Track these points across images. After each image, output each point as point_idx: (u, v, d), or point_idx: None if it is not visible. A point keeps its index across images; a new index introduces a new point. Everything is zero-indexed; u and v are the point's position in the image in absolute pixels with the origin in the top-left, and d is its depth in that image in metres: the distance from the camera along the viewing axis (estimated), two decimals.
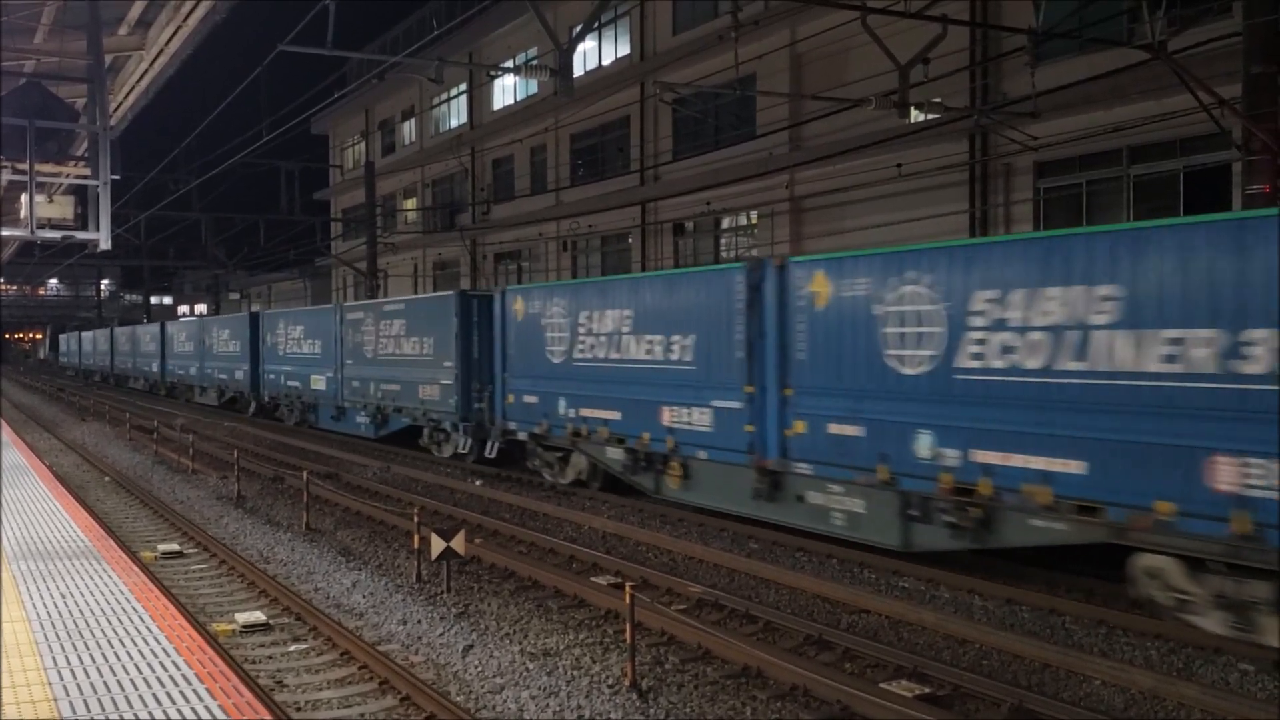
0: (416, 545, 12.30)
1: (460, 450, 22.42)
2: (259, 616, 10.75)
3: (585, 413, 17.53)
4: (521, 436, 19.69)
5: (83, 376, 70.85)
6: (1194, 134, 17.21)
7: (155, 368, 49.51)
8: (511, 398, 19.83)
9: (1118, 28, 18.31)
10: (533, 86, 37.30)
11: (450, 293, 22.85)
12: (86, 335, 72.00)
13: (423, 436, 24.21)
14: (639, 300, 16.49)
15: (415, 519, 12.53)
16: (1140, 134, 18.09)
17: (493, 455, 21.12)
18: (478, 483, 20.13)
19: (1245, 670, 9.00)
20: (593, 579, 12.21)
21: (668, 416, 15.66)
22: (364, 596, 11.78)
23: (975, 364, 11.22)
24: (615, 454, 16.94)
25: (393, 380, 25.03)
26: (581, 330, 17.72)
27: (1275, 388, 8.77)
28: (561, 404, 18.15)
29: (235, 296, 77.57)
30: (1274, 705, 8.21)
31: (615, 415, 16.85)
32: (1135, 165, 19.10)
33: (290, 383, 32.04)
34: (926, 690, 8.38)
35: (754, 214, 27.78)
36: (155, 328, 49.80)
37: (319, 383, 29.75)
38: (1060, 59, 19.29)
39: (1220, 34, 14.92)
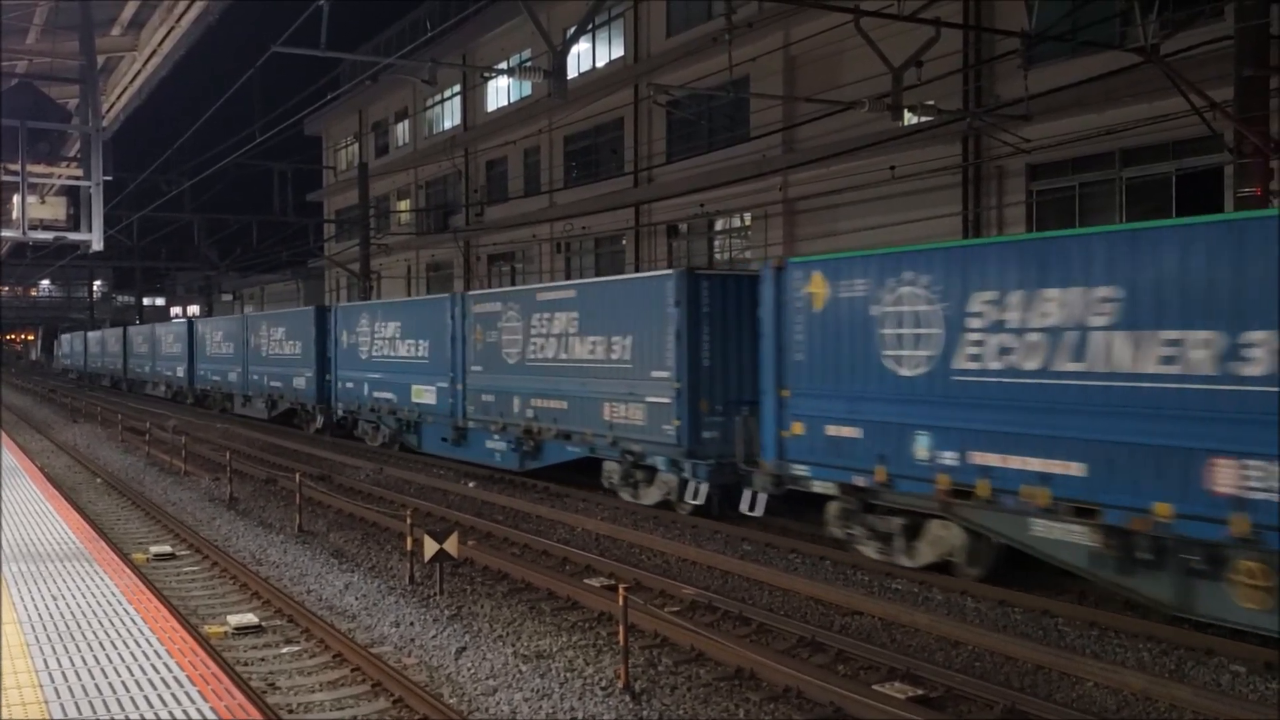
0: (409, 547, 12.28)
1: (690, 499, 16.01)
2: (251, 619, 10.73)
3: (983, 459, 11.26)
4: (821, 488, 13.28)
5: (88, 381, 65.19)
6: (1186, 137, 17.26)
7: (182, 372, 43.16)
8: (799, 427, 13.46)
9: (1110, 31, 18.35)
10: (527, 88, 37.31)
11: (669, 272, 16.35)
12: (94, 335, 65.22)
13: (608, 474, 17.89)
14: (1143, 265, 9.91)
15: (408, 521, 12.51)
16: (1133, 137, 18.14)
17: (757, 512, 14.43)
18: (471, 485, 20.10)
19: (1237, 672, 9.02)
20: (586, 581, 12.20)
21: (1234, 477, 9.14)
22: (357, 599, 11.77)
23: None
24: (1067, 534, 10.65)
25: (554, 394, 18.75)
26: (975, 324, 11.40)
27: None
28: (920, 442, 11.88)
29: (228, 298, 77.43)
30: (1266, 706, 8.23)
31: (1070, 468, 10.44)
32: (1128, 168, 19.15)
33: (379, 394, 25.66)
34: (919, 692, 8.39)
35: (748, 216, 27.80)
36: (180, 326, 43.82)
37: (425, 395, 23.46)
38: (1053, 62, 19.34)
39: (1212, 37, 14.97)
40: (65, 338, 78.82)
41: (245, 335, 35.45)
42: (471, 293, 22.47)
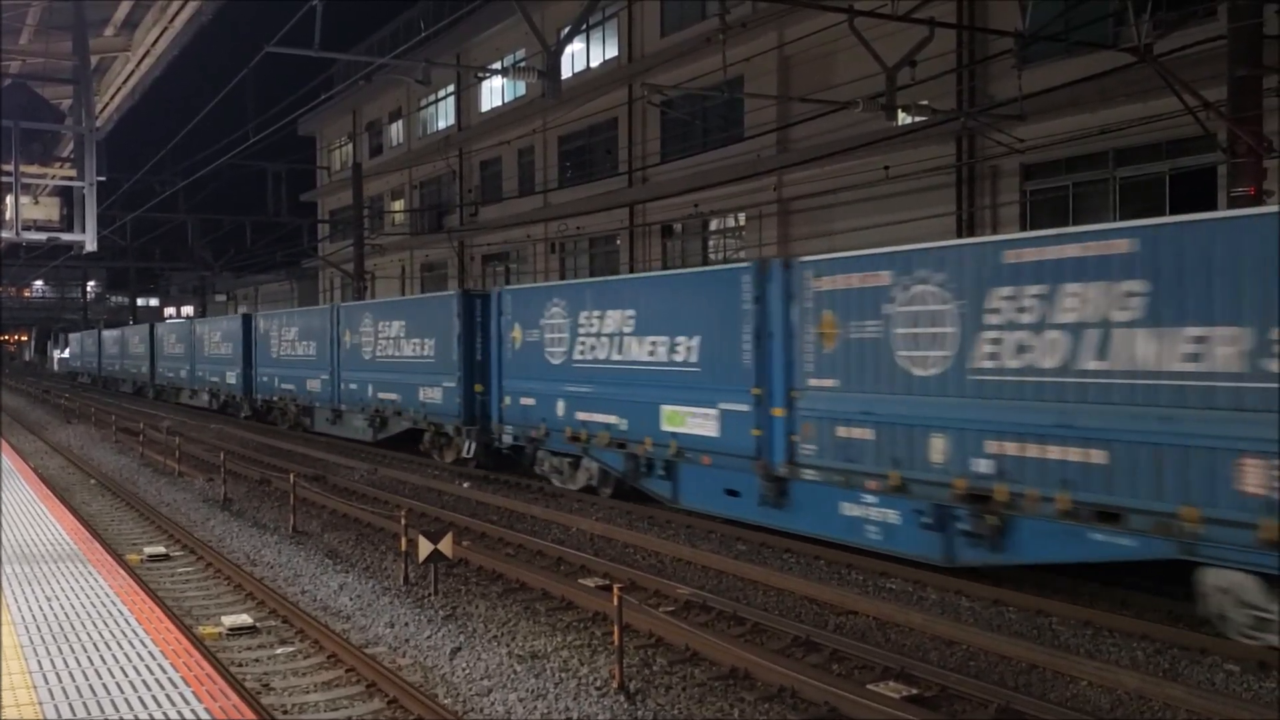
0: (404, 548, 12.27)
1: None
2: (245, 619, 10.71)
3: None
4: None
5: (101, 385, 59.16)
6: (1180, 136, 17.30)
7: (234, 379, 35.67)
8: None
9: (1104, 31, 18.41)
10: (521, 88, 37.33)
11: None
12: (110, 334, 57.64)
13: (1235, 598, 9.57)
14: None
15: (402, 521, 12.50)
16: (1126, 137, 18.18)
17: None
18: (465, 485, 20.08)
19: (1231, 671, 9.04)
20: (581, 581, 12.20)
21: None
22: (351, 599, 11.75)
23: None
24: None
25: (1061, 434, 10.56)
26: None
27: None
28: None
29: (221, 298, 77.43)
30: (1260, 705, 8.24)
31: None
32: (1121, 168, 19.19)
33: (587, 417, 17.58)
34: (914, 691, 8.40)
35: (742, 216, 27.83)
36: (234, 322, 36.43)
37: (695, 423, 15.30)
38: (1047, 62, 19.37)
39: (1205, 37, 15.01)
40: (74, 337, 71.92)
41: (334, 332, 27.86)
42: (808, 258, 13.83)
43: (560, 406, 18.32)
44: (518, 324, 19.73)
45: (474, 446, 21.52)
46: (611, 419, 17.06)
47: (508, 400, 19.95)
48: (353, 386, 26.75)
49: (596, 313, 17.61)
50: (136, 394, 51.61)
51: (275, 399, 32.57)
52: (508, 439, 20.09)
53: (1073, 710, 8.08)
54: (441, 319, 22.43)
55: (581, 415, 17.78)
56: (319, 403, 29.00)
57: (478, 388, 21.32)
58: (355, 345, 26.68)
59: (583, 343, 17.85)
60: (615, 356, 17.05)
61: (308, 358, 29.64)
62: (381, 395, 25.20)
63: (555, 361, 18.55)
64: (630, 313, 16.81)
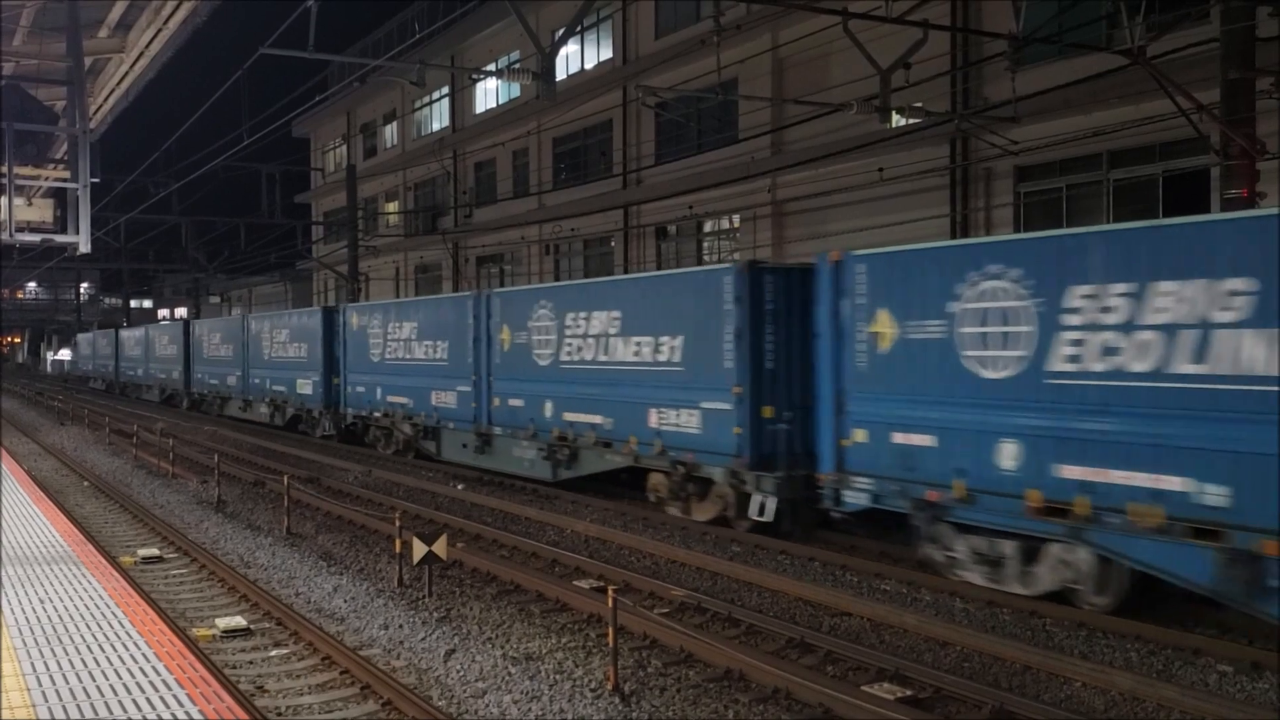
0: (398, 550, 12.26)
1: None
2: (240, 621, 10.69)
3: None
4: None
5: (119, 392, 53.69)
6: (1173, 139, 17.35)
7: (310, 388, 29.04)
8: None
9: (1097, 33, 18.45)
10: (515, 90, 37.33)
11: None
12: (130, 334, 51.49)
13: None
14: None
15: (397, 523, 12.50)
16: (1120, 139, 18.22)
17: None
18: (459, 486, 20.07)
19: (1224, 671, 9.07)
20: (575, 583, 12.20)
21: None
22: (345, 601, 11.74)
23: None
24: None
25: None
26: None
27: None
28: None
29: (215, 300, 77.35)
30: (1253, 706, 8.27)
31: None
32: (1115, 170, 19.24)
33: (1083, 473, 10.26)
34: (908, 693, 8.41)
35: (736, 218, 27.85)
36: (310, 317, 29.63)
37: None
38: (1040, 64, 19.42)
39: (1198, 40, 15.06)
40: (83, 338, 66.17)
41: (481, 328, 20.97)
42: None
43: (1008, 453, 11.03)
44: (886, 312, 12.48)
45: (772, 504, 14.34)
46: (1175, 482, 9.55)
47: (859, 435, 12.82)
48: (515, 404, 19.81)
49: (1120, 287, 9.95)
50: (166, 402, 45.00)
51: (377, 415, 25.34)
52: (857, 498, 12.80)
53: (1067, 711, 8.10)
54: (700, 307, 15.50)
55: (1073, 471, 10.40)
56: (453, 422, 21.98)
57: (766, 411, 14.74)
58: (521, 346, 19.66)
59: (1077, 341, 10.37)
60: (1184, 367, 9.47)
61: (433, 362, 22.70)
62: (570, 417, 18.23)
63: (993, 373, 11.16)
64: (1248, 284, 8.99)
